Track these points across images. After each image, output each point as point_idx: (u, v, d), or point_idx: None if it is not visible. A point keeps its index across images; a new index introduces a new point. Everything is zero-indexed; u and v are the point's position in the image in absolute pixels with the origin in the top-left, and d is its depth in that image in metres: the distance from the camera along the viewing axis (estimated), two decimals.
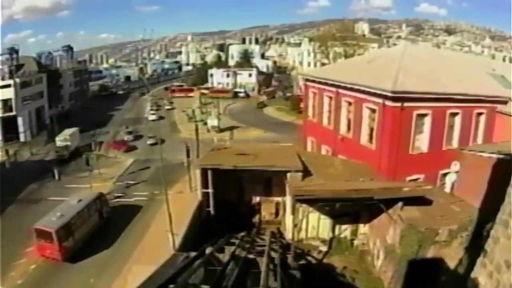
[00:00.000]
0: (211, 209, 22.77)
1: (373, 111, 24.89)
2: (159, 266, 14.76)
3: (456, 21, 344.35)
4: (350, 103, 27.44)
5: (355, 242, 22.06)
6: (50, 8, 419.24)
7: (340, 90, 28.23)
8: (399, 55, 28.96)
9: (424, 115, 25.07)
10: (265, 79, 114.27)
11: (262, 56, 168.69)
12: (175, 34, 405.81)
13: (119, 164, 42.07)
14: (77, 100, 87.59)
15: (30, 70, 72.17)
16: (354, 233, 21.97)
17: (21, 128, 58.84)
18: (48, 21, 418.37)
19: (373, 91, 24.23)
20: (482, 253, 11.27)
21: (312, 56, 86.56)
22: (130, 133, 55.38)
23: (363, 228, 21.87)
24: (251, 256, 15.66)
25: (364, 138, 26.12)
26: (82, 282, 20.81)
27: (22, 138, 58.19)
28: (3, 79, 67.99)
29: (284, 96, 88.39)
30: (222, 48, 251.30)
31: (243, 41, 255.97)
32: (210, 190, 22.45)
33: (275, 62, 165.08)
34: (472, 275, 11.45)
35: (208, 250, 16.05)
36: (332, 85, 29.27)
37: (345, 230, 21.82)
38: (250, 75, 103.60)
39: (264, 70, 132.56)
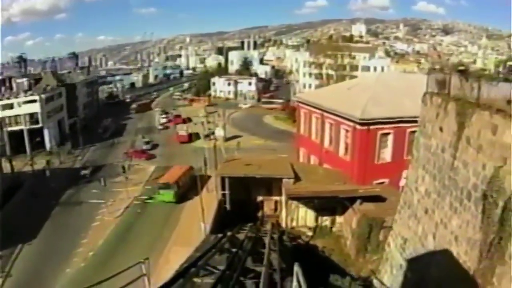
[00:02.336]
0: (228, 206, 31.32)
1: (347, 131, 33.44)
2: (199, 243, 23.15)
3: (453, 20, 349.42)
4: (331, 124, 35.95)
5: (333, 229, 30.54)
6: (48, 10, 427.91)
7: (325, 113, 36.71)
8: (372, 84, 37.56)
9: (387, 133, 33.55)
10: (264, 86, 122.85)
11: (261, 61, 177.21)
12: (173, 35, 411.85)
13: (143, 171, 50.64)
14: (90, 109, 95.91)
15: (49, 84, 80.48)
16: (333, 222, 30.47)
17: (47, 139, 67.27)
18: (46, 24, 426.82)
19: (347, 116, 32.80)
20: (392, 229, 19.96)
21: (307, 67, 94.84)
22: (147, 142, 63.84)
23: (339, 219, 30.34)
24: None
25: (341, 151, 34.66)
26: None
27: (48, 147, 66.57)
28: (25, 92, 76.94)
29: (281, 106, 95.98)
30: (221, 51, 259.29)
31: (242, 45, 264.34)
32: (227, 192, 31.03)
33: (273, 67, 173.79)
34: (387, 240, 20.10)
35: (229, 233, 24.48)
36: (319, 109, 37.77)
37: (326, 220, 30.33)
38: (250, 83, 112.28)
39: (263, 76, 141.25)
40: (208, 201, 33.70)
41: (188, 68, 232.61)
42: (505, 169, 10.71)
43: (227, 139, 61.91)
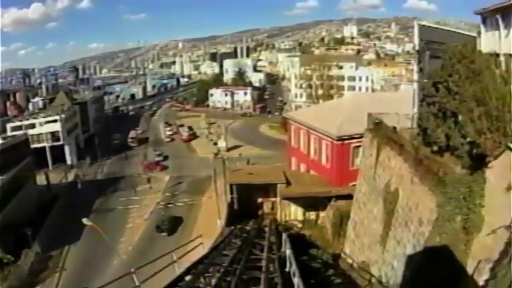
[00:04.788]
0: (235, 206, 41.25)
1: (327, 145, 43.37)
2: (219, 232, 33.11)
3: (444, 17, 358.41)
4: (315, 138, 45.86)
5: (318, 222, 40.62)
6: (39, 19, 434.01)
7: (310, 130, 46.63)
8: (347, 105, 47.50)
9: (359, 146, 43.43)
10: (258, 94, 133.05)
11: (254, 68, 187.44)
12: (166, 41, 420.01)
13: (160, 181, 60.42)
14: (98, 124, 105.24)
15: (63, 103, 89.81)
16: (317, 216, 40.55)
17: (67, 154, 76.51)
18: (38, 33, 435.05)
19: (326, 134, 42.75)
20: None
21: (298, 78, 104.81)
22: (159, 155, 73.65)
23: (322, 213, 40.40)
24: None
25: (324, 160, 44.55)
26: None
27: (68, 162, 75.86)
28: (40, 110, 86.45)
29: (275, 116, 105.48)
30: (215, 57, 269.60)
31: (235, 51, 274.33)
32: (234, 196, 41.00)
33: (267, 74, 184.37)
34: (348, 224, 30.09)
35: (239, 226, 34.42)
36: (305, 126, 47.70)
37: (312, 215, 40.44)
38: (245, 93, 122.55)
39: (257, 84, 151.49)
40: (220, 203, 43.79)
41: (183, 76, 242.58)
42: (391, 181, 20.75)
43: (228, 149, 71.83)
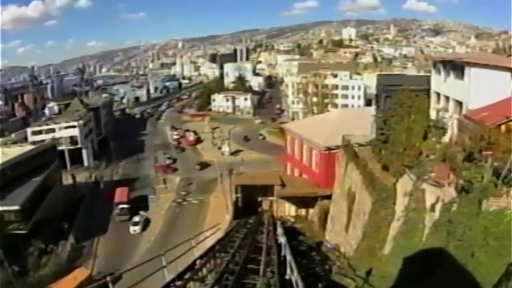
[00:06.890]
0: (239, 204, 50.92)
1: (317, 153, 53.01)
2: (228, 224, 42.76)
3: (443, 20, 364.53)
4: (307, 148, 55.50)
5: (308, 217, 50.32)
6: (39, 18, 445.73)
7: (303, 140, 56.28)
8: (335, 119, 57.19)
9: None
10: (258, 99, 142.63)
11: (254, 71, 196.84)
12: (165, 40, 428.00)
13: (172, 182, 69.89)
14: (108, 127, 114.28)
15: (78, 109, 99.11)
16: (307, 213, 50.30)
17: (85, 157, 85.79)
18: (37, 31, 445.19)
19: (316, 144, 52.37)
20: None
21: (296, 87, 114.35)
22: (169, 158, 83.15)
23: (311, 210, 50.10)
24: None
25: (313, 166, 54.21)
26: None
27: (86, 164, 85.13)
28: (56, 115, 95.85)
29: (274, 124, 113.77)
30: (215, 58, 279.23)
31: (235, 52, 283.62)
32: (239, 195, 50.67)
33: (268, 77, 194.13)
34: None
35: (243, 220, 44.06)
36: (299, 136, 57.34)
37: (303, 211, 50.19)
38: (246, 99, 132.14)
39: (256, 88, 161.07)
40: (226, 201, 53.53)
41: (183, 77, 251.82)
42: (352, 186, 30.46)
43: (231, 154, 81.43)
